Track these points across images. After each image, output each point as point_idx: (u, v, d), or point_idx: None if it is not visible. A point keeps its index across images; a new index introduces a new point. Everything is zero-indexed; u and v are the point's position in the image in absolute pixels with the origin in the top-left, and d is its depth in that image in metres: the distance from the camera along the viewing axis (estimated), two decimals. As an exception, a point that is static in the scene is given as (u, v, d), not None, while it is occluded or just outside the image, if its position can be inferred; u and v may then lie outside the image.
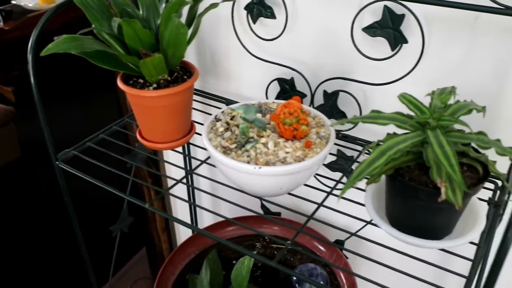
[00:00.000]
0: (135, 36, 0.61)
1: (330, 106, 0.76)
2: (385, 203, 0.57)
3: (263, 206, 1.00)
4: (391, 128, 0.52)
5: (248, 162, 0.57)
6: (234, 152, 0.59)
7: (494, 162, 0.49)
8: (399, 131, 0.51)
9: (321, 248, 0.91)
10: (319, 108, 0.78)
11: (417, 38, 0.64)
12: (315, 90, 0.77)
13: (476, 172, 0.50)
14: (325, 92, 0.76)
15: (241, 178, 0.59)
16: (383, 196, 0.57)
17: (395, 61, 0.68)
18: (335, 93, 0.75)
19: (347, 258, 0.86)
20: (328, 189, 0.67)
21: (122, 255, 1.37)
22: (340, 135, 0.78)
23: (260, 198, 0.74)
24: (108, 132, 0.79)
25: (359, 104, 0.74)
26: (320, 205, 0.63)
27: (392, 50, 0.66)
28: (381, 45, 0.68)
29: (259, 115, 0.64)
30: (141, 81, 0.68)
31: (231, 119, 0.66)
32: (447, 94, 0.50)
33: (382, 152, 0.47)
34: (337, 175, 0.82)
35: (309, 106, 0.79)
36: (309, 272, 0.81)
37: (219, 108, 0.72)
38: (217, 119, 0.67)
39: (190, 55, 0.93)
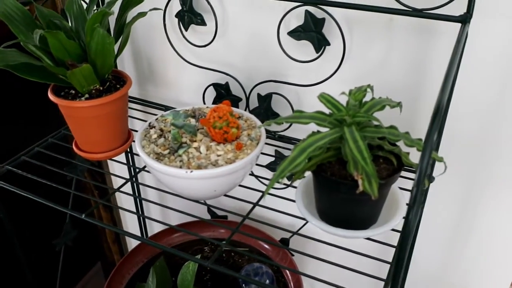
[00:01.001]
0: (61, 47, 0.61)
1: (265, 108, 0.79)
2: (314, 199, 0.59)
3: (209, 211, 1.01)
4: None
5: (181, 167, 0.58)
6: (167, 158, 0.60)
7: (408, 153, 0.53)
8: (323, 129, 0.54)
9: (267, 247, 0.94)
10: (254, 111, 0.80)
11: (339, 40, 0.67)
12: (249, 94, 0.79)
13: (391, 164, 0.54)
14: (259, 95, 0.78)
15: (175, 183, 0.60)
16: (313, 192, 0.59)
17: (321, 62, 0.71)
18: (269, 96, 0.78)
19: (293, 255, 0.89)
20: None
21: (76, 270, 1.34)
22: (276, 136, 0.81)
23: (205, 203, 0.75)
24: (44, 145, 0.78)
25: (291, 105, 0.77)
26: (256, 204, 0.65)
27: (317, 52, 0.69)
28: (307, 48, 0.71)
29: (192, 120, 0.66)
30: (73, 92, 0.68)
31: (165, 126, 0.67)
32: (361, 92, 0.53)
33: (302, 149, 0.50)
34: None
35: (245, 109, 0.81)
36: (254, 272, 0.83)
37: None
38: (151, 126, 0.67)
39: (127, 64, 0.94)
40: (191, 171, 0.57)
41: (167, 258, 0.92)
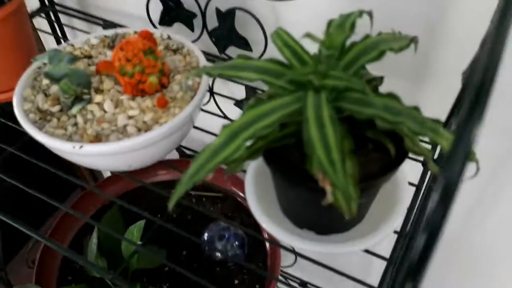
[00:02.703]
0: None
1: (227, 30, 0.56)
2: (275, 194, 0.40)
3: (178, 149, 0.83)
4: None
5: (71, 136, 0.39)
6: (56, 119, 0.41)
7: (415, 134, 0.32)
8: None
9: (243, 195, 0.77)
10: (214, 33, 0.57)
11: None
12: (205, 8, 0.56)
13: (386, 151, 0.33)
14: (218, 10, 0.55)
15: (67, 157, 0.41)
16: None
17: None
18: (231, 12, 0.54)
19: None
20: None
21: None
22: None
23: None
24: None
25: (262, 28, 0.54)
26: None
27: None
28: None
29: (98, 57, 0.45)
30: None
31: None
32: (343, 32, 0.30)
33: (233, 133, 0.29)
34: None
35: (201, 30, 0.58)
36: (219, 234, 0.67)
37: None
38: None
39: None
40: (81, 147, 0.37)
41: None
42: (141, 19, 0.67)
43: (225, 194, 0.81)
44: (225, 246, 0.67)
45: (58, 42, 0.75)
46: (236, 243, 0.68)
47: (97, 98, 0.41)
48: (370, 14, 0.35)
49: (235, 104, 0.65)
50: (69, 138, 0.39)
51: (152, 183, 0.80)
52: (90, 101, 0.41)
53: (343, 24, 0.33)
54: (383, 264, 0.41)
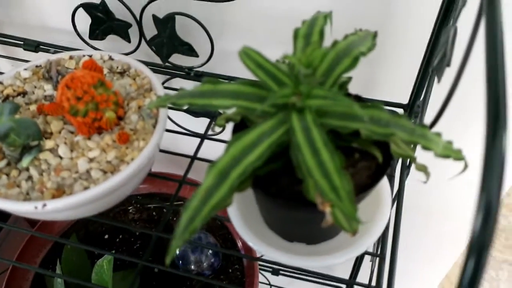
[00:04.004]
0: None
1: (169, 37, 0.52)
2: (259, 210, 0.39)
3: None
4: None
5: (28, 194, 0.35)
6: (5, 175, 0.36)
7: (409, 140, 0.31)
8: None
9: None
10: (154, 41, 0.53)
11: None
12: (140, 16, 0.52)
13: (372, 158, 0.32)
14: (155, 17, 0.51)
15: (28, 216, 0.37)
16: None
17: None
18: (170, 18, 0.51)
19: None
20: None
21: None
22: (192, 74, 0.56)
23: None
24: None
25: (207, 31, 0.51)
26: (194, 158, 0.45)
27: None
28: None
29: (38, 92, 0.40)
30: None
31: (6, 99, 0.41)
32: (315, 45, 0.29)
33: (222, 172, 0.27)
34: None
35: (139, 40, 0.54)
36: (191, 246, 0.65)
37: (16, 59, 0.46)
38: (-24, 110, 0.41)
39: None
40: (44, 205, 0.33)
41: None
42: (66, 33, 0.61)
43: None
44: (199, 257, 0.65)
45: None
46: (210, 252, 0.67)
47: (48, 143, 0.37)
48: (330, 17, 0.34)
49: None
50: (26, 196, 0.35)
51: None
52: (41, 148, 0.36)
53: (311, 33, 0.32)
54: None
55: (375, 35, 0.33)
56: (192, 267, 0.64)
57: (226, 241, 0.72)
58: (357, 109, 0.27)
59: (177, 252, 0.65)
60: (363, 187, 0.31)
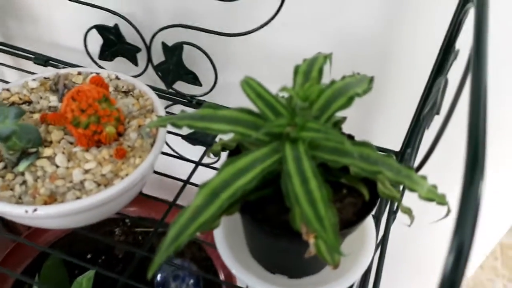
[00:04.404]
0: None
1: (175, 64, 0.54)
2: (245, 238, 0.40)
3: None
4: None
5: (20, 198, 0.35)
6: (1, 178, 0.37)
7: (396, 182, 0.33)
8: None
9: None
10: (160, 67, 0.55)
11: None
12: (150, 42, 0.54)
13: (359, 195, 0.34)
14: (164, 45, 0.53)
15: (18, 221, 0.37)
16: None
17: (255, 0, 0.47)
18: (178, 47, 0.53)
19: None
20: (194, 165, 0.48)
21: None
22: (194, 102, 0.58)
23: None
24: None
25: (212, 62, 0.53)
26: (186, 182, 0.46)
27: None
28: (231, -22, 0.45)
29: (43, 103, 0.41)
30: None
31: (11, 106, 0.42)
32: (314, 84, 0.30)
33: (213, 193, 0.28)
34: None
35: (146, 64, 0.56)
36: (172, 274, 0.65)
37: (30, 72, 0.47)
38: (-19, 113, 0.42)
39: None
40: (34, 210, 0.34)
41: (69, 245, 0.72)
42: (77, 51, 0.63)
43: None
44: (180, 285, 0.65)
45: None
46: (192, 281, 0.67)
47: (47, 151, 0.38)
48: (329, 58, 0.36)
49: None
50: (18, 200, 0.35)
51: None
52: (38, 155, 0.37)
53: (310, 71, 0.34)
54: None
55: (371, 79, 0.35)
56: (172, 294, 0.64)
57: (208, 271, 0.71)
58: (348, 145, 0.29)
59: (158, 278, 0.64)
60: (348, 223, 0.32)
